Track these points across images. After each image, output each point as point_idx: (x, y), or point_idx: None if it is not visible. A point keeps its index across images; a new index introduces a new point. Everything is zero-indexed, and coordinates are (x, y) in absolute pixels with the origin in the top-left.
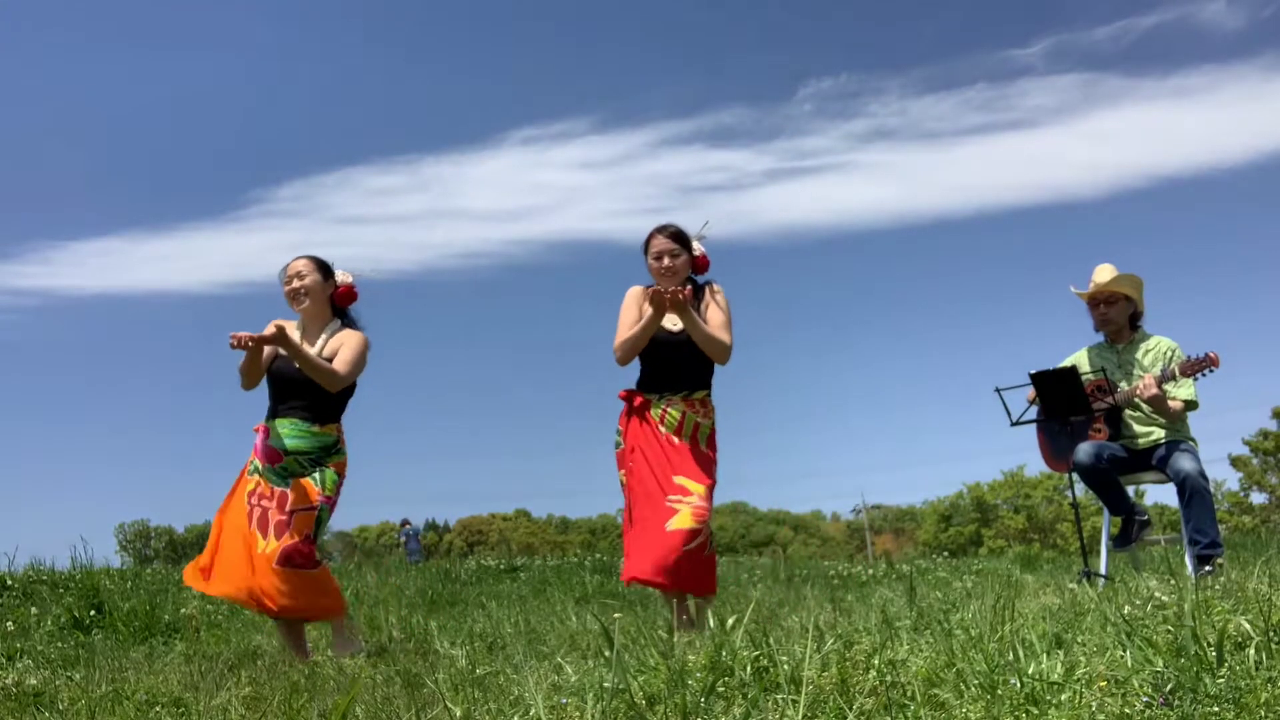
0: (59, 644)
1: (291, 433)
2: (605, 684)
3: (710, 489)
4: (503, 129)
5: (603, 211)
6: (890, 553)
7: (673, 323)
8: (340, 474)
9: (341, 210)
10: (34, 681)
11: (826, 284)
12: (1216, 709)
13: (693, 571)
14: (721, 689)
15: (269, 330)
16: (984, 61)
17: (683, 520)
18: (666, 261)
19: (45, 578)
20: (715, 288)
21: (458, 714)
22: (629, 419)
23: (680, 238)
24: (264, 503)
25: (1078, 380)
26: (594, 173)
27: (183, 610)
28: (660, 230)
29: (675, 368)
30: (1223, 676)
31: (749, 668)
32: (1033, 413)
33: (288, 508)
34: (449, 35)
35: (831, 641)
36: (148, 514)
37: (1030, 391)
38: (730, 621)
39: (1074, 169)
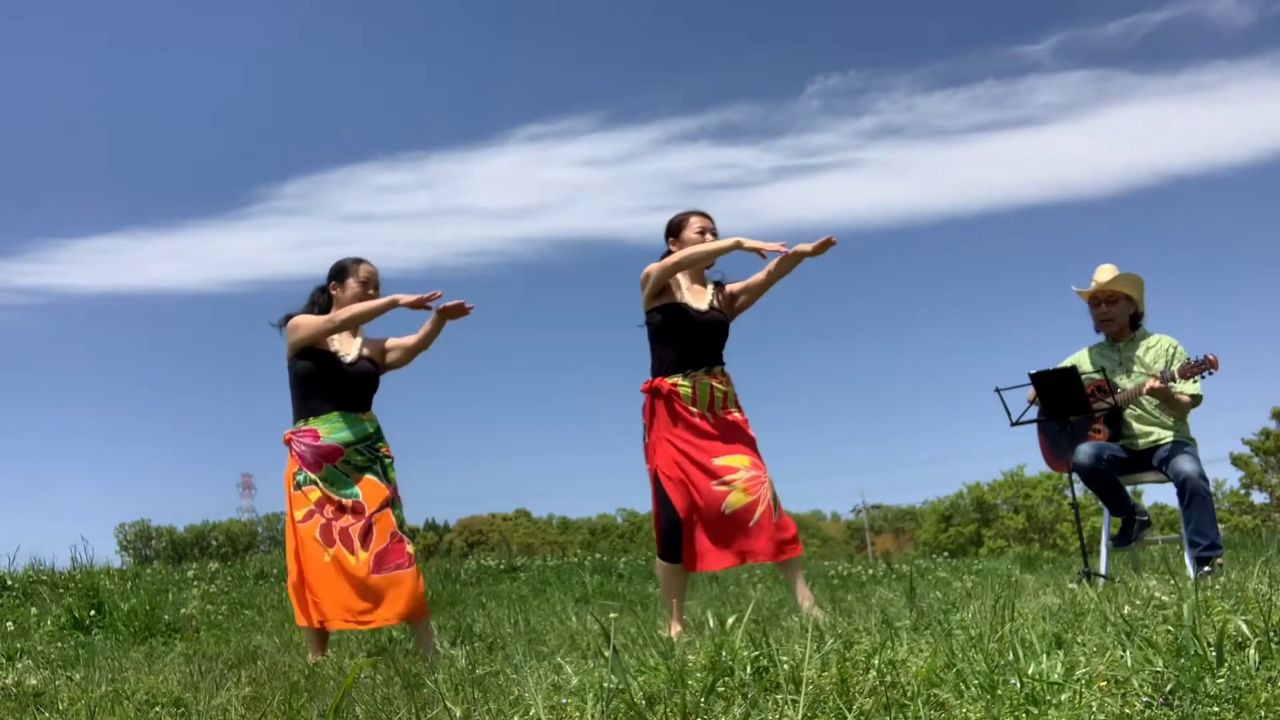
0: (59, 644)
1: (345, 424)
2: (605, 684)
3: (753, 459)
4: (508, 126)
5: (608, 209)
6: (890, 553)
7: (700, 301)
8: (390, 457)
9: (346, 207)
10: (34, 681)
11: (830, 283)
12: (1216, 709)
13: (772, 540)
14: (721, 689)
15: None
16: (993, 58)
17: (737, 499)
18: (709, 238)
19: (45, 578)
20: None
21: (458, 714)
22: (653, 411)
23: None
24: (335, 518)
25: (1078, 380)
26: (600, 170)
27: (183, 610)
28: (701, 212)
29: (703, 346)
30: (1223, 677)
31: (749, 668)
32: (1033, 413)
33: (366, 513)
34: (453, 32)
35: (831, 641)
36: (148, 514)
37: (1030, 391)
38: (730, 621)
39: (1082, 166)
